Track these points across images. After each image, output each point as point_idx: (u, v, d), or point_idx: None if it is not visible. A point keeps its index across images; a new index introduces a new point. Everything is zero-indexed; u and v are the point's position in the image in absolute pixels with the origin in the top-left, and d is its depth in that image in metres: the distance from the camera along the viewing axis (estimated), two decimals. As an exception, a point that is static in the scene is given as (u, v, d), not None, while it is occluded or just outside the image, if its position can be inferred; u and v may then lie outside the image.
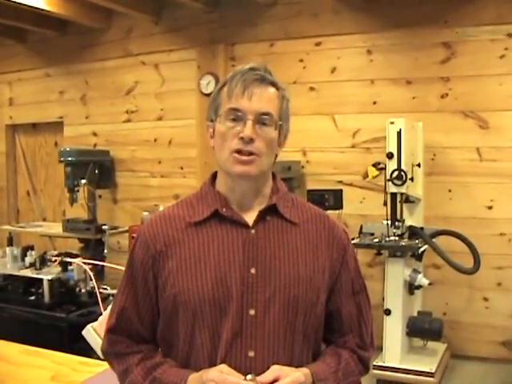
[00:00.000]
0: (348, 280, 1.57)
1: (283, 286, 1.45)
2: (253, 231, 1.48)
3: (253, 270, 1.44)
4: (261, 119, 1.43)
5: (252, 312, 1.43)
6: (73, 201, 5.39)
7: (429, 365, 4.02)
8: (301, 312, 1.47)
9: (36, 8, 5.18)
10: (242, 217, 1.49)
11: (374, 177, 4.34)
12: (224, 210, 1.49)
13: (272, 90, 1.47)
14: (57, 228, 5.72)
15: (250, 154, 1.43)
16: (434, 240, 4.21)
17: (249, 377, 1.35)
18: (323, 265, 1.51)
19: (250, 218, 1.49)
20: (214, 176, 1.58)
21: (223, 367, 1.36)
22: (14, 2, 4.94)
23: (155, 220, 1.55)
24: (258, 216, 1.49)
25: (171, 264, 1.47)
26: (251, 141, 1.42)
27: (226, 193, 1.52)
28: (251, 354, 1.42)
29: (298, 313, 1.46)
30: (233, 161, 1.44)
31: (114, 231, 5.44)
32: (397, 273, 4.06)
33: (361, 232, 4.44)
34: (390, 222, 4.14)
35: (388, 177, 4.04)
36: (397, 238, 4.12)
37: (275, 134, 1.47)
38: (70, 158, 5.33)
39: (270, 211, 1.51)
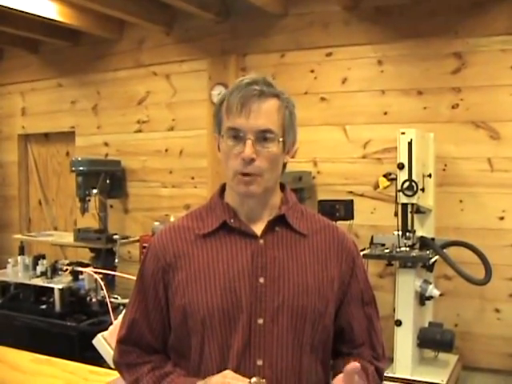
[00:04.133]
0: (358, 291, 1.57)
1: (291, 296, 1.45)
2: (261, 241, 1.48)
3: (261, 280, 1.45)
4: (261, 136, 1.42)
5: (260, 321, 1.43)
6: (84, 210, 5.40)
7: (440, 376, 3.99)
8: (309, 322, 1.47)
9: (48, 19, 5.23)
10: (250, 227, 1.50)
11: (385, 187, 4.32)
12: (232, 221, 1.50)
13: (272, 102, 1.44)
14: (68, 237, 5.74)
15: (251, 174, 1.43)
16: (445, 251, 4.19)
17: (253, 380, 1.34)
18: (332, 275, 1.52)
19: (258, 228, 1.50)
20: (223, 187, 1.58)
21: (228, 373, 1.36)
22: (27, 12, 4.99)
23: (165, 232, 1.56)
24: (266, 226, 1.50)
25: (181, 275, 1.48)
26: (252, 161, 1.41)
27: (234, 205, 1.52)
28: (259, 362, 1.42)
29: (306, 322, 1.46)
30: (237, 182, 1.45)
31: (124, 241, 5.44)
32: (408, 284, 4.03)
33: (371, 243, 4.43)
34: (400, 233, 4.12)
35: (399, 187, 4.02)
36: (408, 249, 4.10)
37: (278, 148, 1.45)
38: (81, 168, 5.35)
39: (279, 222, 1.52)
